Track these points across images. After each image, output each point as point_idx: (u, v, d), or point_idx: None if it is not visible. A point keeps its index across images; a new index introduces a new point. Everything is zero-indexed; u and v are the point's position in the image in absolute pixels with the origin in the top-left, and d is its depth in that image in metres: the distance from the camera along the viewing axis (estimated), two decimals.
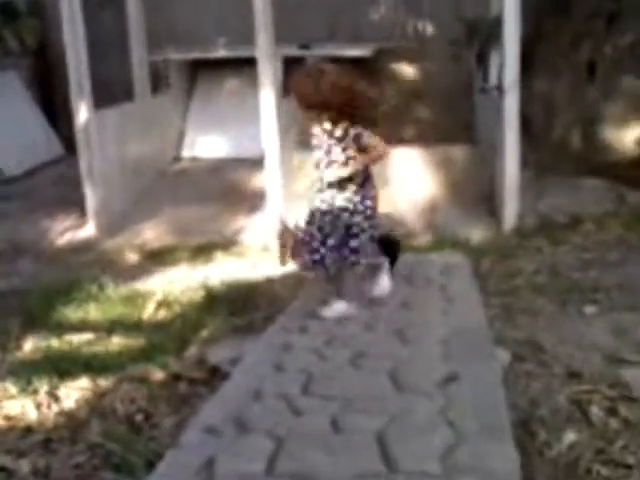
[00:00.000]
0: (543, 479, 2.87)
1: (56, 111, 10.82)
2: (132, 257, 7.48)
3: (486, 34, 8.50)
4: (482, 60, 8.88)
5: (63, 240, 8.07)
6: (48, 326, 5.46)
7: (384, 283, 4.85)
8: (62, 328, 5.41)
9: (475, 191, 8.19)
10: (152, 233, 8.03)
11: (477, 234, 7.29)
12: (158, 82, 10.17)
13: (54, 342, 5.08)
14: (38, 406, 3.84)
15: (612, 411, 3.38)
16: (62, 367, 4.34)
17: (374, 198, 4.54)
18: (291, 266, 4.81)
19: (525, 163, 7.52)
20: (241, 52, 9.16)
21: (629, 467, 2.92)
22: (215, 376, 4.11)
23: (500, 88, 7.33)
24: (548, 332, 4.48)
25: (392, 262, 5.11)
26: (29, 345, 5.03)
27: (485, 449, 2.88)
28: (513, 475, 2.71)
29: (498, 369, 3.78)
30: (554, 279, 5.77)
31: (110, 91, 8.62)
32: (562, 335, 4.41)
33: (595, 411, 3.38)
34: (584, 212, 7.45)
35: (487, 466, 2.76)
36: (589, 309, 4.94)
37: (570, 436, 3.16)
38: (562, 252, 6.57)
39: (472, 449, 2.90)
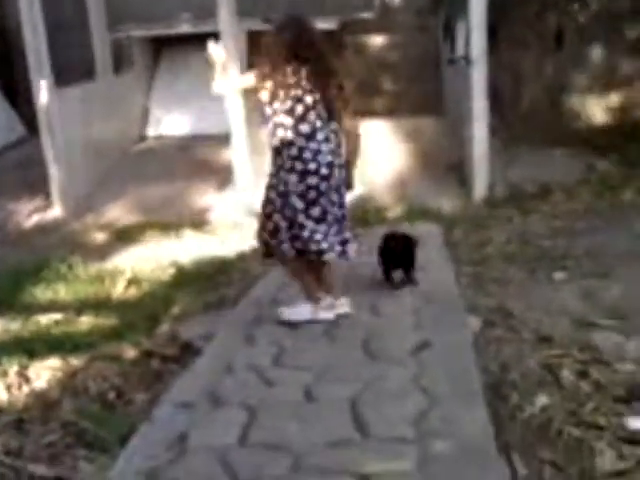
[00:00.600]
0: (515, 441, 2.89)
1: (17, 91, 10.58)
2: (100, 237, 7.41)
3: (452, 3, 8.45)
4: (449, 30, 8.83)
5: (29, 222, 7.97)
6: (16, 307, 5.39)
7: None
8: (31, 309, 5.34)
9: (445, 162, 8.19)
10: (120, 212, 7.95)
11: (448, 204, 7.30)
12: (121, 60, 10.00)
13: (23, 323, 5.01)
14: (8, 387, 3.78)
15: (583, 374, 3.39)
16: (32, 348, 4.28)
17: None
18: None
19: (494, 133, 7.52)
20: (204, 27, 9.03)
21: (600, 428, 2.94)
22: (187, 352, 4.08)
23: (467, 58, 7.30)
24: (518, 299, 4.49)
25: (409, 265, 4.69)
26: None
27: (457, 413, 2.90)
28: (486, 438, 2.74)
29: (469, 335, 3.80)
30: (524, 247, 5.80)
31: (71, 71, 8.45)
32: (532, 301, 4.44)
33: (566, 374, 3.40)
34: (554, 181, 7.49)
35: (460, 430, 2.78)
36: (558, 275, 4.97)
37: (542, 399, 3.17)
38: (532, 221, 6.60)
39: (445, 413, 2.92)
